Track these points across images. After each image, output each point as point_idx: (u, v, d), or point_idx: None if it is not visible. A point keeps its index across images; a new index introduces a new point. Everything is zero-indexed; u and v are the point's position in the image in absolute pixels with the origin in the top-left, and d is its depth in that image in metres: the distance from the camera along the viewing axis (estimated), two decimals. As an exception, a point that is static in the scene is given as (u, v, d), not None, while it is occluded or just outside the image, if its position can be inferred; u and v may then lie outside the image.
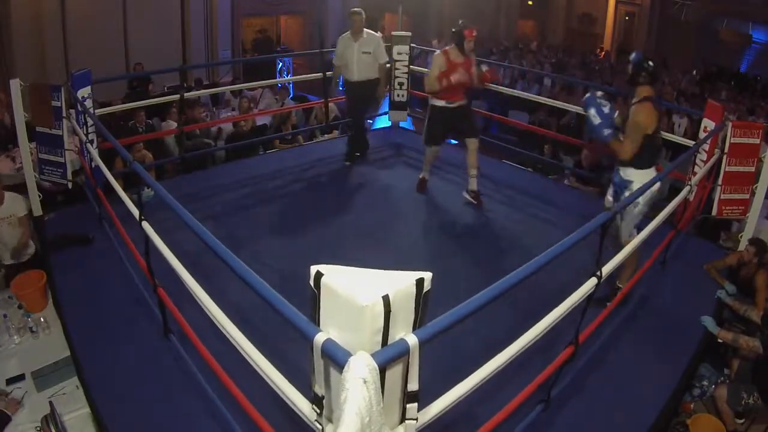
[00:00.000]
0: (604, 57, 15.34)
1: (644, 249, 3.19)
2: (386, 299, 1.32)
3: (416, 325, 1.46)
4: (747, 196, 4.25)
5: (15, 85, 4.10)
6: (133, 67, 9.70)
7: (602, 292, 2.84)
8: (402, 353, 1.35)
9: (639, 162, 3.30)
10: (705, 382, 3.45)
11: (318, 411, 1.50)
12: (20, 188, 4.37)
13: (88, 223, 4.20)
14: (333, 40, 15.08)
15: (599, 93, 3.33)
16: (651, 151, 3.31)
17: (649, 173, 3.31)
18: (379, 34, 5.51)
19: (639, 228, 3.32)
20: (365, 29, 5.35)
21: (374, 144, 6.30)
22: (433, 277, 1.47)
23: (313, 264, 1.46)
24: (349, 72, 5.42)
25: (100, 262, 3.81)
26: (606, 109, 3.26)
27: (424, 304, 1.46)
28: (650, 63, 3.24)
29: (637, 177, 3.31)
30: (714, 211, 4.33)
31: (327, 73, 5.91)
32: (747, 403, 3.18)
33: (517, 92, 6.87)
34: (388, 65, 5.67)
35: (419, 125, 7.00)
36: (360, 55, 5.33)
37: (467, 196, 4.83)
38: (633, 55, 3.33)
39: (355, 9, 5.35)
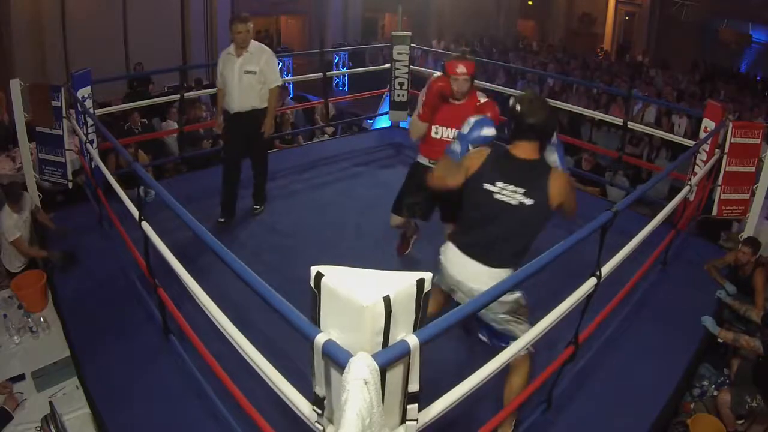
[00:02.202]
0: (604, 57, 15.33)
1: (644, 249, 3.17)
2: (387, 300, 1.32)
3: (417, 326, 1.45)
4: (747, 197, 4.25)
5: (15, 85, 4.11)
6: (133, 67, 9.71)
7: None
8: (403, 354, 1.34)
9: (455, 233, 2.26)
10: (705, 382, 3.45)
11: (318, 412, 1.50)
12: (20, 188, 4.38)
13: (88, 223, 4.20)
14: (333, 40, 15.14)
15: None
16: (476, 227, 2.20)
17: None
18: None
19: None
20: (254, 42, 3.98)
21: (374, 144, 6.30)
22: (433, 277, 1.47)
23: (313, 264, 1.45)
24: (228, 98, 4.02)
25: (100, 262, 3.81)
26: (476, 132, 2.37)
27: (425, 304, 1.45)
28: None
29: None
30: (714, 211, 4.32)
31: (327, 72, 5.88)
32: (751, 407, 3.17)
33: (517, 92, 6.86)
34: (277, 84, 4.10)
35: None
36: (241, 75, 3.92)
37: None
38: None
39: (241, 15, 3.97)
